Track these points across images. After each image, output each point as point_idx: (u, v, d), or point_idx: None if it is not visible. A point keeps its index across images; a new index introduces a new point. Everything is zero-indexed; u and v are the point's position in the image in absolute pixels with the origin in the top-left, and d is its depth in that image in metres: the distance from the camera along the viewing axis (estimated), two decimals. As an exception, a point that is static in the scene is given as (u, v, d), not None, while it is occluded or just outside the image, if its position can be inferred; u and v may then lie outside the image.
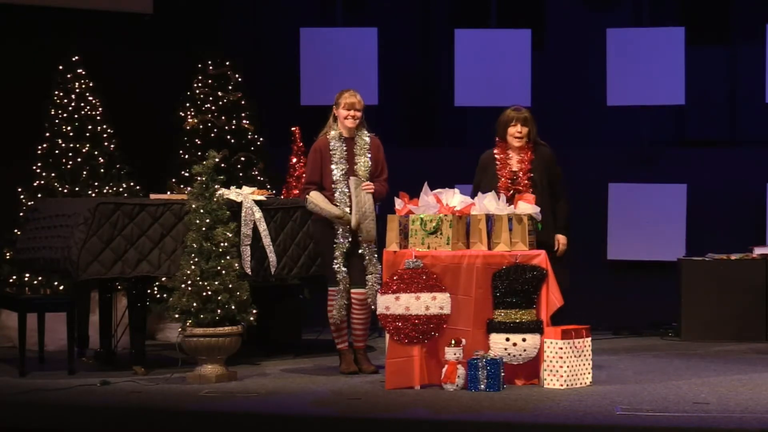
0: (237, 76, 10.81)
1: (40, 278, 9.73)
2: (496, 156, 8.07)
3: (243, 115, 10.76)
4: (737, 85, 12.17)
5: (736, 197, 11.35)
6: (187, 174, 10.04)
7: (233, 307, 7.79)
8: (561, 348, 7.47)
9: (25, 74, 10.38)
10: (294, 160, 9.89)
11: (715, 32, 12.16)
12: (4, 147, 10.26)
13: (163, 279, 9.22)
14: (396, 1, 12.54)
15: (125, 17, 11.07)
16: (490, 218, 7.68)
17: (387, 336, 7.55)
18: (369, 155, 8.17)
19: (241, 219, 8.33)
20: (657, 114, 11.86)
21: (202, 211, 7.86)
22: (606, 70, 11.50)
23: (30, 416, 6.98)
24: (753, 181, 11.29)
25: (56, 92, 10.15)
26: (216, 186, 7.94)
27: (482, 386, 7.32)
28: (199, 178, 7.94)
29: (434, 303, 7.46)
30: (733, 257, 10.27)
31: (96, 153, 10.10)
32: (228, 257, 7.85)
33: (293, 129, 9.92)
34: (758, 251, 10.27)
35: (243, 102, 10.79)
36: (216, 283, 7.75)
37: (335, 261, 8.06)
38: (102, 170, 10.08)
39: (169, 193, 9.84)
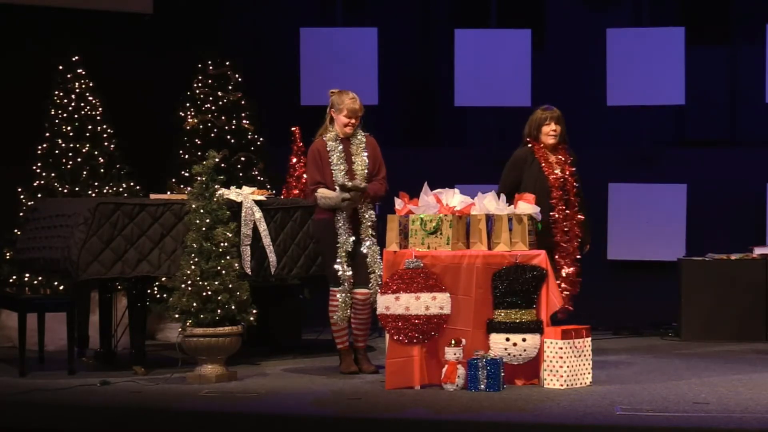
0: (237, 76, 10.81)
1: (40, 278, 9.73)
2: (538, 156, 8.04)
3: (243, 115, 10.76)
4: (737, 85, 12.18)
5: (736, 197, 11.35)
6: (187, 174, 10.04)
7: (233, 307, 7.79)
8: (561, 348, 7.47)
9: (25, 74, 10.38)
10: (294, 160, 9.89)
11: (715, 32, 12.17)
12: (4, 147, 10.26)
13: (163, 279, 9.22)
14: (396, 1, 12.54)
15: (125, 17, 11.07)
16: (490, 218, 7.68)
17: (387, 336, 7.55)
18: (366, 154, 8.16)
19: (241, 219, 8.33)
20: (657, 114, 11.87)
21: (202, 211, 7.86)
22: (606, 70, 11.50)
23: (30, 416, 6.97)
24: (753, 181, 11.29)
25: (56, 92, 10.15)
26: (216, 186, 7.93)
27: (482, 386, 7.32)
28: (199, 178, 7.93)
29: (434, 303, 7.46)
30: (733, 257, 10.27)
31: (96, 153, 10.10)
32: (228, 257, 7.85)
33: (293, 129, 9.92)
34: (758, 251, 10.27)
35: (243, 102, 10.79)
36: (216, 283, 7.75)
37: (338, 261, 8.05)
38: (102, 170, 10.08)
39: (169, 193, 9.84)
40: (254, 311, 7.95)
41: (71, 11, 10.78)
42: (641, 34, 11.59)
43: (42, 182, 9.96)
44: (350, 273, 8.07)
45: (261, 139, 10.80)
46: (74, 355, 8.28)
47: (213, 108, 10.67)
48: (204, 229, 7.82)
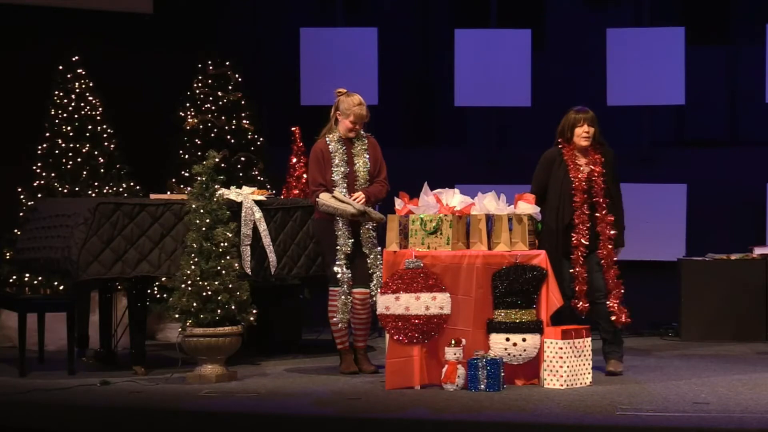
0: (237, 76, 10.81)
1: (40, 278, 9.72)
2: (565, 157, 7.99)
3: (243, 115, 10.76)
4: (737, 85, 12.19)
5: (736, 197, 11.35)
6: (187, 174, 10.04)
7: (233, 307, 7.79)
8: (561, 348, 7.47)
9: (25, 74, 10.38)
10: (294, 160, 9.88)
11: (715, 32, 12.18)
12: (4, 147, 10.25)
13: (163, 279, 9.22)
14: (396, 1, 12.55)
15: (125, 17, 11.07)
16: (490, 218, 7.69)
17: (387, 336, 7.55)
18: (367, 155, 8.17)
19: (241, 219, 8.33)
20: (657, 114, 11.87)
21: (202, 211, 7.86)
22: (606, 70, 11.50)
23: (30, 416, 6.97)
24: (753, 181, 11.29)
25: (56, 92, 10.15)
26: (216, 186, 7.93)
27: (482, 386, 7.31)
28: (199, 178, 7.93)
29: (434, 303, 7.46)
30: (733, 257, 10.26)
31: (96, 153, 10.09)
32: (228, 257, 7.85)
33: (293, 129, 9.92)
34: (758, 251, 10.27)
35: (243, 102, 10.78)
36: (216, 283, 7.75)
37: (337, 262, 8.05)
38: (102, 170, 10.08)
39: (169, 193, 9.84)
40: (254, 311, 7.95)
41: (71, 11, 10.78)
42: (641, 34, 11.59)
43: (42, 182, 9.95)
44: (350, 274, 8.07)
45: (261, 139, 10.80)
46: (74, 355, 8.28)
47: (213, 108, 10.67)
48: (204, 229, 7.82)
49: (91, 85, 10.23)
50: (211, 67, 10.74)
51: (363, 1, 12.53)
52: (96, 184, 10.01)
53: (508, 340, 7.47)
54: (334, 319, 8.11)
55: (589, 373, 7.62)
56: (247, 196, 8.47)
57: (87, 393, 7.39)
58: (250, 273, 8.32)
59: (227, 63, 10.78)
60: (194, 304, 7.74)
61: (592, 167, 7.95)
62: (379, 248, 8.07)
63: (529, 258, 7.55)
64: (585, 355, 7.59)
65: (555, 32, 12.28)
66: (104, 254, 8.02)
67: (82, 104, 10.15)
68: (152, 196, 8.68)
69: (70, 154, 10.03)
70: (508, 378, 7.46)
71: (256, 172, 10.64)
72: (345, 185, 8.07)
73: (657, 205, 11.29)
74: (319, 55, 11.63)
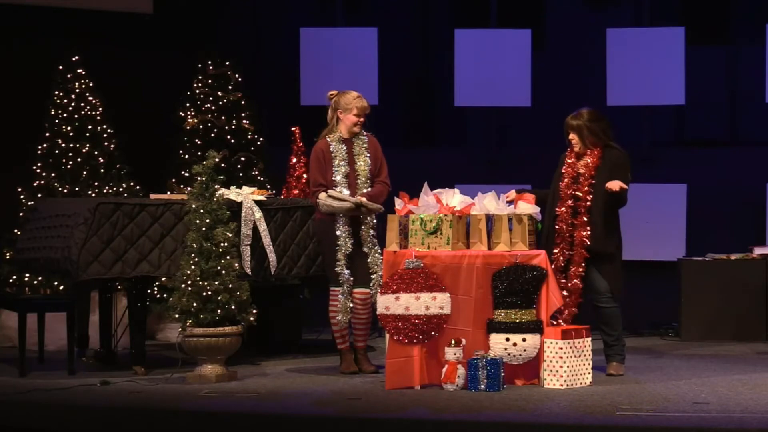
0: (237, 76, 10.81)
1: (40, 278, 9.72)
2: (567, 159, 8.01)
3: (243, 115, 10.76)
4: (737, 85, 12.19)
5: (736, 197, 11.35)
6: (187, 174, 10.04)
7: (233, 307, 7.79)
8: (561, 348, 7.47)
9: (25, 74, 10.38)
10: (294, 160, 9.89)
11: (715, 32, 12.18)
12: (4, 147, 10.25)
13: (163, 279, 9.22)
14: (396, 1, 12.54)
15: (125, 17, 11.07)
16: (490, 218, 7.69)
17: (387, 336, 7.55)
18: (368, 155, 8.17)
19: (241, 219, 8.33)
20: (657, 114, 11.87)
21: (202, 211, 7.86)
22: (606, 70, 11.50)
23: (30, 416, 6.98)
24: (753, 181, 11.29)
25: (56, 92, 10.15)
26: (216, 186, 7.93)
27: (482, 386, 7.31)
28: (199, 178, 7.93)
29: (434, 303, 7.46)
30: (733, 257, 10.27)
31: (96, 153, 10.09)
32: (228, 257, 7.85)
33: (293, 129, 9.92)
34: (758, 251, 10.27)
35: (243, 102, 10.78)
36: (216, 283, 7.75)
37: (338, 263, 8.06)
38: (102, 170, 10.08)
39: (169, 193, 9.84)
40: (254, 311, 7.95)
41: (71, 11, 10.78)
42: (641, 34, 11.59)
43: (42, 182, 9.95)
44: (349, 275, 8.06)
45: (261, 139, 10.80)
46: (74, 355, 8.28)
47: (213, 108, 10.67)
48: (204, 229, 7.82)
49: (91, 85, 10.23)
50: (211, 67, 10.74)
51: (363, 1, 12.53)
52: (96, 184, 10.01)
53: (508, 340, 7.47)
54: (335, 319, 8.11)
55: (589, 373, 7.62)
56: (247, 196, 8.47)
57: (87, 393, 7.39)
58: (250, 273, 8.32)
59: (227, 63, 10.78)
60: (194, 304, 7.74)
61: (585, 170, 7.95)
62: (380, 248, 8.07)
63: (529, 258, 7.55)
64: (585, 355, 7.59)
65: (555, 32, 12.28)
66: (104, 254, 8.02)
67: (82, 104, 10.15)
68: (152, 196, 8.68)
69: (70, 154, 10.03)
70: (508, 378, 7.46)
71: (256, 172, 10.64)
72: (346, 185, 8.07)
73: (657, 205, 11.29)
74: (319, 55, 11.63)
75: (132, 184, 10.19)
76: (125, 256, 8.08)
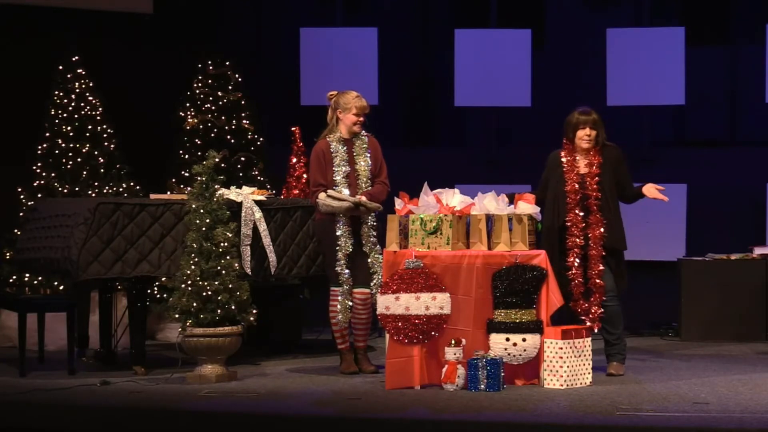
0: (237, 76, 10.81)
1: (40, 278, 9.72)
2: (563, 159, 7.97)
3: (243, 115, 10.75)
4: (737, 85, 12.20)
5: (736, 197, 11.35)
6: (187, 174, 10.04)
7: (233, 307, 7.79)
8: (561, 348, 7.47)
9: (25, 74, 10.38)
10: (294, 160, 9.89)
11: (715, 32, 12.19)
12: (4, 147, 10.25)
13: (163, 279, 9.22)
14: (396, 1, 12.55)
15: (125, 17, 11.07)
16: (490, 218, 7.68)
17: (387, 336, 7.55)
18: (369, 154, 8.18)
19: (241, 219, 8.33)
20: (657, 114, 11.87)
21: (202, 211, 7.86)
22: (606, 70, 11.51)
23: (30, 416, 6.97)
24: (753, 181, 11.29)
25: (56, 92, 10.14)
26: (216, 186, 7.93)
27: (482, 386, 7.31)
28: (199, 178, 7.93)
29: (434, 303, 7.46)
30: (733, 257, 10.26)
31: (96, 153, 10.09)
32: (228, 257, 7.85)
33: (293, 129, 9.92)
34: (758, 251, 10.27)
35: (243, 102, 10.78)
36: (216, 283, 7.75)
37: (338, 263, 8.06)
38: (102, 170, 10.08)
39: (169, 193, 9.84)
40: (254, 311, 7.95)
41: (71, 11, 10.78)
42: (641, 34, 11.59)
43: (42, 182, 9.95)
44: (350, 275, 8.06)
45: (261, 139, 10.80)
46: (74, 355, 8.27)
47: (213, 108, 10.67)
48: (204, 229, 7.82)
49: (91, 85, 10.23)
50: (211, 67, 10.74)
51: (363, 1, 12.54)
52: (96, 184, 10.00)
53: (508, 340, 7.46)
54: (335, 319, 8.11)
55: (589, 373, 7.62)
56: (247, 196, 8.47)
57: (87, 393, 7.38)
58: (250, 273, 8.32)
59: (227, 63, 10.78)
60: (194, 304, 7.74)
61: (589, 169, 7.94)
62: (380, 248, 8.07)
63: (529, 258, 7.55)
64: (585, 355, 7.59)
65: (555, 32, 12.29)
66: (104, 254, 8.02)
67: (82, 104, 10.15)
68: (152, 196, 8.67)
69: (70, 154, 10.03)
70: (508, 378, 7.46)
71: (256, 172, 10.64)
72: (347, 185, 8.07)
73: (657, 205, 11.25)
74: (319, 55, 11.63)
75: (132, 184, 10.19)
76: (125, 256, 8.08)
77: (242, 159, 10.61)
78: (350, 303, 8.08)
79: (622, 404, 6.81)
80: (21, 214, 9.77)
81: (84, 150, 10.05)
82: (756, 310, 10.06)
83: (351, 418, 6.67)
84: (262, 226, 8.44)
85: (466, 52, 11.66)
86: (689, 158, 11.66)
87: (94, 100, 10.21)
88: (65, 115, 10.09)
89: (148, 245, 8.16)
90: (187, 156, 10.50)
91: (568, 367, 7.46)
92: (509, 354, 7.46)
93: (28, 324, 8.28)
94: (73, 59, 10.19)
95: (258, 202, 8.48)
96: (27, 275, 9.70)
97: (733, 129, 12.34)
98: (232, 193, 8.42)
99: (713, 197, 11.32)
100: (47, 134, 10.09)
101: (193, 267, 7.77)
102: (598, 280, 7.84)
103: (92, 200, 8.55)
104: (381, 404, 6.96)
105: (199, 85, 10.72)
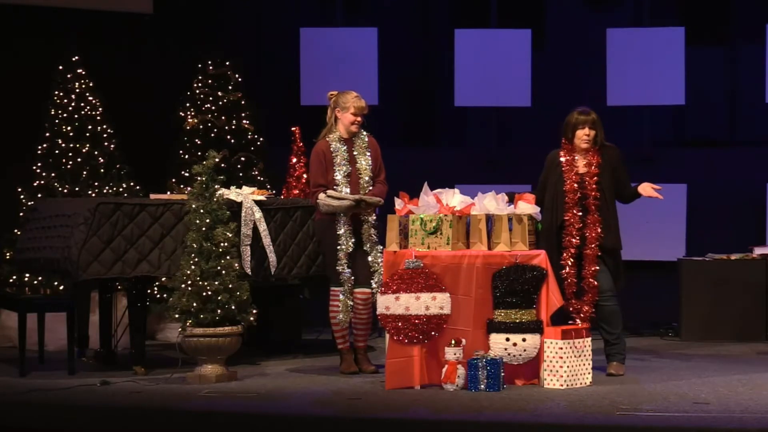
0: (237, 76, 10.81)
1: (40, 278, 9.72)
2: (561, 159, 7.97)
3: (243, 115, 10.76)
4: (737, 85, 12.19)
5: (736, 197, 11.35)
6: (187, 174, 10.04)
7: (233, 307, 7.79)
8: (561, 348, 7.47)
9: (25, 74, 10.38)
10: (294, 160, 9.89)
11: (715, 32, 12.19)
12: (4, 147, 10.26)
13: (163, 279, 9.22)
14: (396, 1, 12.55)
15: (125, 17, 11.07)
16: (490, 218, 7.68)
17: (387, 336, 7.55)
18: (369, 154, 8.18)
19: (241, 219, 8.33)
20: (657, 114, 11.87)
21: (202, 211, 7.86)
22: (606, 70, 11.50)
23: (30, 416, 6.97)
24: (753, 181, 11.29)
25: (56, 92, 10.14)
26: (216, 186, 7.93)
27: (482, 386, 7.32)
28: (199, 178, 7.94)
29: (434, 303, 7.46)
30: (733, 257, 10.26)
31: (96, 153, 10.09)
32: (228, 257, 7.85)
33: (293, 129, 9.92)
34: (758, 251, 10.27)
35: (243, 102, 10.79)
36: (216, 283, 7.75)
37: (339, 262, 8.06)
38: (102, 170, 10.08)
39: (169, 193, 9.84)
40: (254, 311, 7.95)
41: (71, 11, 10.78)
42: (641, 34, 11.59)
43: (42, 182, 9.95)
44: (350, 274, 8.06)
45: (261, 139, 10.80)
46: (74, 355, 8.28)
47: (213, 108, 10.67)
48: (204, 229, 7.82)
49: (91, 85, 10.23)
50: (211, 67, 10.74)
51: (363, 1, 12.53)
52: (96, 184, 10.01)
53: (508, 340, 7.47)
54: (336, 319, 8.11)
55: (589, 373, 7.62)
56: (247, 196, 8.47)
57: (87, 393, 7.39)
58: (250, 273, 8.32)
59: (227, 63, 10.78)
60: (194, 304, 7.74)
61: (588, 169, 7.94)
62: (381, 248, 8.07)
63: (529, 258, 7.55)
64: (585, 355, 7.59)
65: (555, 32, 12.29)
66: (104, 254, 8.02)
67: (82, 104, 10.15)
68: (152, 196, 8.68)
69: (70, 154, 10.03)
70: (508, 378, 7.46)
71: (256, 172, 10.64)
72: (348, 185, 8.07)
73: (657, 205, 11.25)
74: (319, 55, 11.63)
75: (132, 184, 10.19)
76: (125, 256, 8.08)
77: (242, 159, 10.61)
78: (351, 303, 8.08)
79: (622, 404, 6.81)
80: (21, 214, 9.77)
81: (84, 150, 10.05)
82: (756, 310, 10.06)
83: (351, 418, 6.67)
84: (262, 226, 8.44)
85: (466, 52, 11.66)
86: (689, 158, 11.66)
87: (94, 100, 10.21)
88: (65, 115, 10.10)
89: (148, 245, 8.16)
90: (187, 156, 10.50)
91: (568, 367, 7.46)
92: (509, 354, 7.46)
93: (28, 324, 8.28)
94: (73, 59, 10.19)
95: (258, 202, 8.48)
96: (27, 275, 9.71)
97: (733, 129, 12.32)
98: (232, 193, 8.42)
99: (713, 197, 11.32)
100: (47, 134, 10.09)
101: (193, 267, 7.77)
102: (591, 280, 7.84)
103: (92, 200, 8.55)
104: (381, 404, 6.96)
105: (199, 85, 10.72)
